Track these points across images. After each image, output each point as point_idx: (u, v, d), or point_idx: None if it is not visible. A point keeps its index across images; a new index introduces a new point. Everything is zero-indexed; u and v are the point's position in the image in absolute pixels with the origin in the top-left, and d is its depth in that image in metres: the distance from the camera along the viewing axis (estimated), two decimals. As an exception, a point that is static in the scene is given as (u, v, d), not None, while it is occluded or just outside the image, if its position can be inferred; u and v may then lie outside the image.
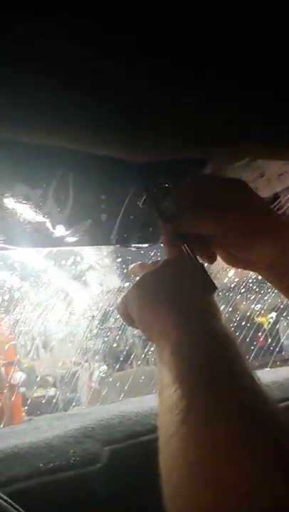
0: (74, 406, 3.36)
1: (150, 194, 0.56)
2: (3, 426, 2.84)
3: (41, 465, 0.51)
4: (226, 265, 0.59)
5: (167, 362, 0.38)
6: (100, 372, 3.30)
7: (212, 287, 0.49)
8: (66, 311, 3.11)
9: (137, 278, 0.52)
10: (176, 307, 0.43)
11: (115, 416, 0.62)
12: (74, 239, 0.62)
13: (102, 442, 0.56)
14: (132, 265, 0.59)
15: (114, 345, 3.29)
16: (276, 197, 0.74)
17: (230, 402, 0.32)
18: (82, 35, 0.27)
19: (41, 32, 0.26)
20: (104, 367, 3.35)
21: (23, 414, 3.14)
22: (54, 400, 3.37)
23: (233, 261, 0.56)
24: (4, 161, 0.49)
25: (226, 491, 0.28)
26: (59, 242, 0.61)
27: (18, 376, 3.11)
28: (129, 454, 0.56)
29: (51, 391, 3.60)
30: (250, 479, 0.27)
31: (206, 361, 0.36)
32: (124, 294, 0.52)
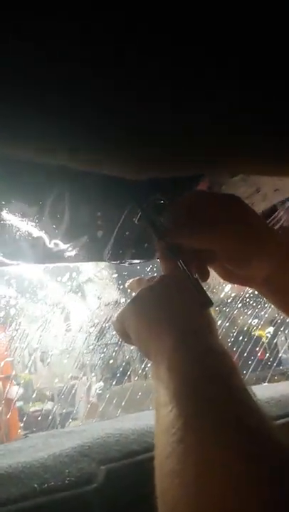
0: (71, 421, 3.33)
1: (146, 211, 0.57)
2: None
3: (36, 485, 0.50)
4: (222, 280, 0.59)
5: (164, 378, 0.37)
6: (97, 388, 3.27)
7: (208, 303, 0.48)
8: (63, 325, 3.09)
9: (134, 294, 0.52)
10: (172, 323, 0.43)
11: (112, 434, 0.61)
12: (70, 255, 0.62)
13: (98, 461, 0.55)
14: (130, 281, 0.59)
15: (111, 361, 3.27)
16: (273, 210, 0.74)
17: (227, 419, 0.32)
18: (80, 51, 0.27)
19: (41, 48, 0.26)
20: (101, 383, 3.32)
21: (20, 429, 3.11)
22: (51, 415, 3.34)
23: (229, 276, 0.56)
24: (0, 177, 0.49)
25: (223, 510, 0.27)
26: (55, 258, 0.61)
27: (15, 391, 3.09)
28: (126, 473, 0.55)
29: (48, 405, 3.57)
30: (248, 498, 0.27)
31: (202, 377, 0.36)
32: (120, 310, 0.52)
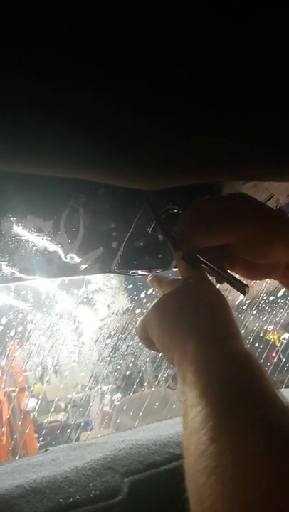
0: (88, 431, 3.32)
1: (159, 220, 0.57)
2: (18, 452, 2.81)
3: (61, 500, 0.50)
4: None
5: (191, 384, 0.37)
6: (115, 399, 3.25)
7: (245, 288, 0.51)
8: (77, 336, 3.09)
9: (156, 297, 0.52)
10: (195, 328, 0.43)
11: (133, 445, 0.61)
12: (85, 267, 0.63)
13: (121, 474, 0.55)
14: (151, 276, 0.61)
15: (128, 372, 3.27)
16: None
17: (259, 420, 0.32)
18: (87, 70, 0.26)
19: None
20: (119, 394, 3.30)
21: (36, 440, 3.10)
22: (67, 426, 3.34)
23: (252, 273, 0.56)
24: (15, 193, 0.50)
25: (264, 508, 0.27)
26: (71, 271, 0.61)
27: (32, 403, 3.09)
28: (150, 484, 0.55)
29: (64, 416, 3.57)
30: (285, 497, 0.27)
31: (231, 381, 0.36)
32: (142, 317, 0.52)
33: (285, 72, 0.28)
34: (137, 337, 0.54)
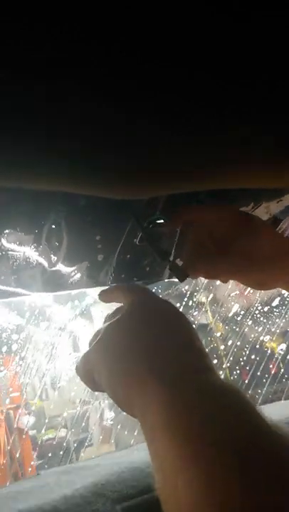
0: (86, 447, 3.27)
1: (146, 231, 0.54)
2: (13, 472, 2.75)
3: (48, 532, 0.46)
4: (231, 297, 0.57)
5: (158, 435, 0.30)
6: (109, 419, 3.20)
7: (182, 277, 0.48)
8: (72, 350, 3.06)
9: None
10: (156, 364, 0.34)
11: (126, 468, 0.58)
12: (72, 282, 0.60)
13: (113, 500, 0.52)
14: (102, 290, 0.51)
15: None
16: (277, 221, 0.72)
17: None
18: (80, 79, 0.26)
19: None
20: (112, 413, 3.25)
21: (34, 458, 3.05)
22: (65, 442, 3.28)
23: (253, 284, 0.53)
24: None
25: None
26: (57, 286, 0.59)
27: (29, 420, 3.04)
28: (143, 510, 0.52)
29: (62, 432, 3.51)
30: None
31: (215, 421, 0.29)
32: (83, 354, 0.42)
33: (285, 72, 0.28)
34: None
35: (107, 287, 0.51)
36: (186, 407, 0.30)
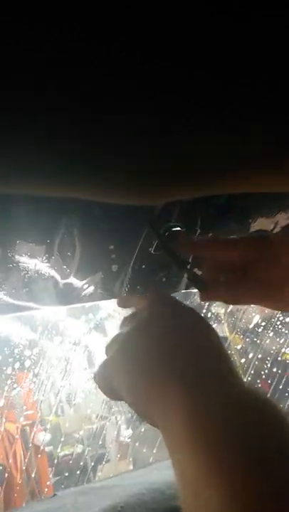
0: (104, 464, 3.22)
1: (162, 239, 0.52)
2: (30, 490, 2.71)
3: None
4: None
5: (181, 443, 0.29)
6: (126, 436, 3.15)
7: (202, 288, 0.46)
8: (87, 364, 3.04)
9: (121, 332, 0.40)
10: (179, 367, 0.33)
11: (146, 490, 0.55)
12: (86, 294, 0.58)
13: (133, 525, 0.49)
14: (120, 297, 0.49)
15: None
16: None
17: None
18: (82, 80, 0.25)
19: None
20: (130, 431, 3.19)
21: (51, 475, 3.01)
22: (82, 459, 3.24)
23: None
24: (0, 216, 0.46)
25: None
26: (70, 299, 0.57)
27: (45, 436, 3.01)
28: (165, 535, 0.49)
29: (79, 449, 3.47)
30: None
31: (241, 429, 0.27)
32: (102, 362, 0.41)
33: (285, 72, 0.28)
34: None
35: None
36: (210, 414, 0.28)
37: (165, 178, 0.42)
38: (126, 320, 0.42)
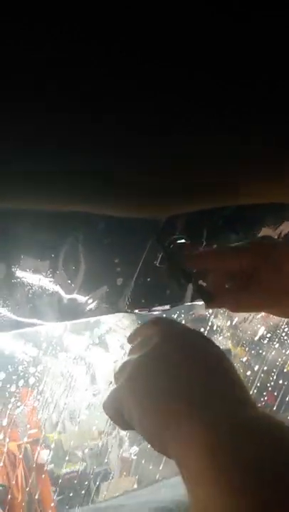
0: (109, 480, 3.17)
1: (168, 251, 0.52)
2: (34, 510, 2.66)
3: None
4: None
5: (199, 480, 0.27)
6: (132, 453, 3.10)
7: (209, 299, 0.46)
8: (89, 380, 3.01)
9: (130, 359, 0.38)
10: (196, 397, 0.31)
11: (154, 510, 0.53)
12: (90, 309, 0.57)
13: None
14: (129, 335, 0.46)
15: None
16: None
17: None
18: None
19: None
20: (136, 448, 3.14)
21: (54, 494, 2.96)
22: (85, 477, 3.19)
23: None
24: (5, 232, 0.45)
25: None
26: (75, 314, 0.56)
27: (47, 454, 2.96)
28: None
29: (81, 466, 3.41)
30: None
31: (267, 469, 0.25)
32: (112, 390, 0.39)
33: (285, 72, 0.28)
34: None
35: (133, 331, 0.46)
36: (232, 450, 0.27)
37: (171, 187, 0.42)
38: (135, 347, 0.40)
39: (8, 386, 2.66)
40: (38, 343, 2.73)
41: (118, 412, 0.37)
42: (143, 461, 2.66)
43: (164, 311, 0.65)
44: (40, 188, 0.36)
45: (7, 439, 2.72)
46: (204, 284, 0.48)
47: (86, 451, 3.45)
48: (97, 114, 0.27)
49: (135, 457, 2.94)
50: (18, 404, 2.78)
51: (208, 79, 0.27)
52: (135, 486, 2.97)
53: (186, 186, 0.42)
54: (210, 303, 0.47)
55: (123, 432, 3.35)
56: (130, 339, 0.44)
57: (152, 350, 0.37)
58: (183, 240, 0.55)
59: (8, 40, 0.21)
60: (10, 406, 2.67)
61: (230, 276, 0.50)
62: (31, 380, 2.79)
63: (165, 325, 0.41)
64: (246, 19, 0.24)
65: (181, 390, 0.32)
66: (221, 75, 0.27)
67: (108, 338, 3.24)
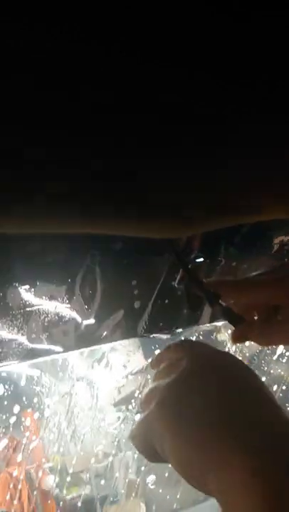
0: (113, 503, 3.10)
1: (191, 272, 0.49)
2: None
3: None
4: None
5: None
6: (149, 482, 3.02)
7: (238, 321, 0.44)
8: (92, 399, 2.96)
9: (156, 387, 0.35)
10: (241, 427, 0.28)
11: None
12: (107, 334, 0.55)
13: None
14: (152, 360, 0.42)
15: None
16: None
17: None
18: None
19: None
20: (153, 476, 3.05)
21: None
22: (91, 500, 3.11)
23: None
24: (20, 258, 0.43)
25: None
26: (91, 341, 0.53)
27: (52, 479, 2.90)
28: None
29: (86, 489, 3.33)
30: None
31: None
32: (139, 419, 0.35)
33: (285, 72, 0.28)
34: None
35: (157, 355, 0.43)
36: (284, 488, 0.24)
37: (194, 208, 0.40)
38: (161, 372, 0.37)
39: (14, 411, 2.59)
40: (37, 364, 2.68)
41: (148, 444, 0.33)
42: (160, 490, 2.59)
43: (180, 333, 0.63)
44: (58, 210, 0.34)
45: (5, 463, 2.66)
46: (230, 306, 0.45)
47: (91, 474, 3.38)
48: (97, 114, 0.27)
49: (153, 486, 2.87)
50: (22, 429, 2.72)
51: (208, 79, 0.27)
52: (143, 510, 2.91)
53: (209, 208, 0.41)
54: (239, 325, 0.44)
55: (129, 454, 3.29)
56: (154, 364, 0.41)
57: (184, 374, 0.33)
58: (201, 259, 0.53)
59: (8, 40, 0.21)
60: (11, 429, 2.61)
61: (256, 307, 0.48)
62: (32, 402, 2.74)
63: (194, 347, 0.38)
64: (246, 19, 0.23)
65: (222, 416, 0.29)
66: (221, 75, 0.27)
67: (110, 357, 3.20)
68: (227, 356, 0.36)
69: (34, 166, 0.28)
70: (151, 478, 2.95)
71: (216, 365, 0.34)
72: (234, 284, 0.51)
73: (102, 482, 3.28)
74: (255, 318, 0.47)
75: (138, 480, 3.09)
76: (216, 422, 0.29)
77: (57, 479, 3.16)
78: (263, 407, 0.30)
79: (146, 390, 0.36)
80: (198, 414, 0.30)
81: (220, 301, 0.44)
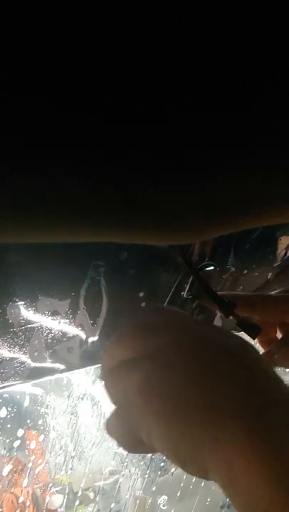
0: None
1: (196, 279, 0.46)
2: None
3: None
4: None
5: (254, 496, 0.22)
6: (161, 503, 2.96)
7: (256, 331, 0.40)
8: (97, 416, 2.91)
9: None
10: (238, 401, 0.25)
11: None
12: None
13: None
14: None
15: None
16: None
17: None
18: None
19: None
20: (165, 497, 2.98)
21: None
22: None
23: None
24: (20, 271, 0.40)
25: None
26: (95, 359, 0.50)
27: (58, 499, 2.83)
28: None
29: (94, 508, 3.26)
30: None
31: None
32: (117, 408, 0.30)
33: (285, 72, 0.25)
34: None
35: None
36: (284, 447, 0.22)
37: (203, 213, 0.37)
38: (129, 341, 0.31)
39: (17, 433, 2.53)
40: (41, 383, 2.64)
41: (130, 434, 0.29)
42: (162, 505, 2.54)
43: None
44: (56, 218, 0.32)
45: (10, 484, 2.60)
46: (247, 316, 0.42)
47: (98, 491, 3.31)
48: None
49: (165, 507, 2.81)
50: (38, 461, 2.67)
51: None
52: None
53: (216, 214, 0.38)
54: (256, 335, 0.41)
55: (133, 470, 3.23)
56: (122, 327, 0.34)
57: (169, 351, 0.28)
58: (211, 268, 0.50)
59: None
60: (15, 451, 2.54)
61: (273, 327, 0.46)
62: (36, 422, 2.69)
63: (174, 317, 0.33)
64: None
65: (221, 393, 0.26)
66: (221, 78, 0.23)
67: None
68: (214, 327, 0.34)
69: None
70: (162, 499, 2.89)
71: (204, 336, 0.30)
72: (249, 298, 0.47)
73: (110, 499, 3.23)
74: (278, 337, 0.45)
75: (145, 496, 3.04)
76: (212, 396, 0.26)
77: (63, 499, 3.10)
78: (259, 378, 0.27)
79: (105, 372, 0.31)
80: (193, 390, 0.26)
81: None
